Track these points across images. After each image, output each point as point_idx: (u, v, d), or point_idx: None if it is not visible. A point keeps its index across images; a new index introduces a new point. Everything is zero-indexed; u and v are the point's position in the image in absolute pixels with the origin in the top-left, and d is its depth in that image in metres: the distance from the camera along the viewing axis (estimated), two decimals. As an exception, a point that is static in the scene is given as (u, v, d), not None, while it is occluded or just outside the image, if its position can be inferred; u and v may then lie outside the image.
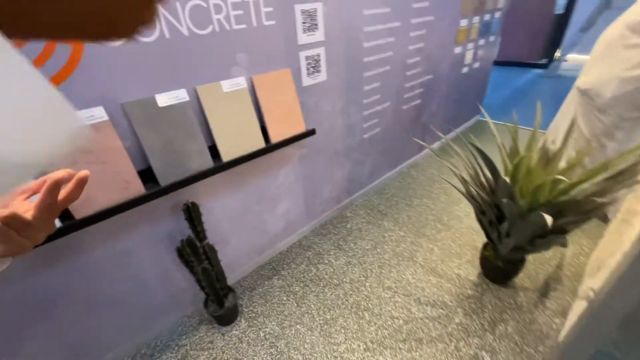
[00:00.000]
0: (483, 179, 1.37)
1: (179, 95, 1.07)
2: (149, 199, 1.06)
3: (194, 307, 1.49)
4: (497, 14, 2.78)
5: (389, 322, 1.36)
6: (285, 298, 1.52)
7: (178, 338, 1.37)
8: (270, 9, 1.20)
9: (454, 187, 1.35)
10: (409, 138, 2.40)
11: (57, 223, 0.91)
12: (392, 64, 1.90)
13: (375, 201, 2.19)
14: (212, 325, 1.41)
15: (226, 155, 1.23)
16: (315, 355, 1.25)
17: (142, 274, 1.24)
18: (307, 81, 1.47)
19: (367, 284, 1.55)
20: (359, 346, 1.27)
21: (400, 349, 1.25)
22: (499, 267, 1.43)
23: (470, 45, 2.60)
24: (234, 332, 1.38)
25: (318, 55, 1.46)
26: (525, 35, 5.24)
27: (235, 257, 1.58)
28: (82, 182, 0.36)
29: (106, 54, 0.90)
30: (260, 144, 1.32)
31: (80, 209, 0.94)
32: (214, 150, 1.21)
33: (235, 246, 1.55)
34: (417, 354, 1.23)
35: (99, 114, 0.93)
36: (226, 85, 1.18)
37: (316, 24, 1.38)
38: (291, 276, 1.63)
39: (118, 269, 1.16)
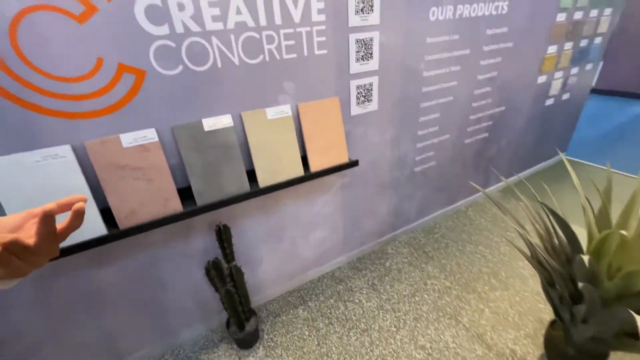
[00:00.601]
0: (556, 242, 1.12)
1: (224, 121, 1.11)
2: (184, 217, 1.10)
3: (218, 322, 1.51)
4: (598, 40, 2.37)
5: (417, 391, 1.18)
6: (307, 333, 1.44)
7: (199, 351, 1.39)
8: (323, 38, 1.19)
9: (517, 248, 1.13)
10: (468, 174, 2.14)
11: (103, 230, 0.99)
12: (456, 95, 1.73)
13: (422, 240, 1.98)
14: (231, 346, 1.40)
15: (263, 182, 1.23)
16: (327, 409, 1.14)
17: (175, 283, 1.30)
18: (356, 110, 1.41)
19: (398, 337, 1.38)
20: (377, 411, 1.13)
21: None
22: (570, 356, 1.14)
23: (558, 74, 2.25)
24: (250, 358, 1.35)
25: (370, 84, 1.39)
26: (636, 62, 4.39)
27: (264, 279, 1.56)
28: (78, 213, 0.38)
29: (162, 83, 0.97)
30: (299, 172, 1.30)
31: (125, 221, 1.02)
32: (252, 174, 1.22)
33: (266, 269, 1.54)
34: None
35: (150, 135, 1.00)
36: (271, 112, 1.19)
37: (371, 53, 1.32)
38: (317, 309, 1.55)
39: (153, 276, 1.23)
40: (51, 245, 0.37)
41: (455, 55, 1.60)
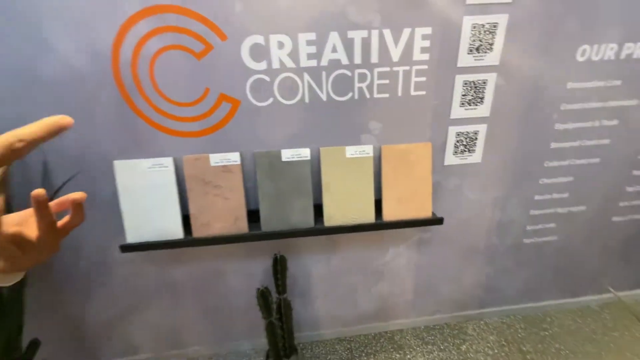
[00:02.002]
0: None
1: (302, 154, 1.11)
2: (248, 239, 1.14)
3: (264, 346, 1.50)
4: None
5: None
6: (345, 396, 1.27)
7: (239, 369, 1.41)
8: (423, 79, 1.06)
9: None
10: (610, 263, 1.55)
11: (181, 234, 1.11)
12: (607, 156, 1.29)
13: (520, 333, 1.52)
14: (268, 376, 1.36)
15: (329, 220, 1.17)
16: None
17: (233, 297, 1.36)
18: (451, 160, 1.21)
19: None
20: None
21: None
22: None
23: None
24: (281, 399, 1.27)
25: (475, 132, 1.17)
26: None
27: (316, 317, 1.48)
28: (77, 205, 0.37)
29: (252, 112, 1.04)
30: (370, 218, 1.18)
31: (199, 230, 1.12)
32: (319, 209, 1.17)
33: (320, 307, 1.46)
34: None
35: (234, 158, 1.08)
36: (351, 150, 1.13)
37: (481, 98, 1.11)
38: (364, 373, 1.36)
39: (216, 285, 1.32)
40: (52, 240, 0.37)
41: (611, 106, 1.20)
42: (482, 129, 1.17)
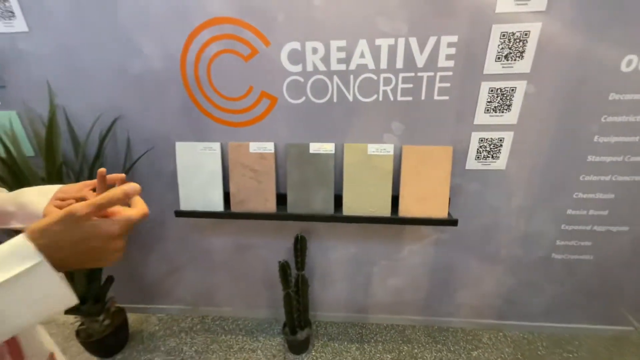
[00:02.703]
0: None
1: (327, 148, 1.24)
2: (275, 218, 1.31)
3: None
4: None
5: None
6: (349, 373, 1.39)
7: (259, 332, 1.61)
8: (447, 84, 1.11)
9: None
10: (663, 295, 1.40)
11: (221, 207, 1.33)
12: (657, 175, 1.18)
13: (542, 351, 1.47)
14: (284, 344, 1.54)
15: (347, 210, 1.28)
16: None
17: (260, 268, 1.55)
18: (473, 164, 1.23)
19: None
20: None
21: None
22: None
23: None
24: (292, 364, 1.44)
25: (500, 140, 1.18)
26: None
27: (332, 299, 1.61)
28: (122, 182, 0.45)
29: (287, 109, 1.20)
30: (386, 212, 1.27)
31: (236, 206, 1.32)
32: (339, 200, 1.29)
33: (336, 291, 1.58)
34: None
35: (269, 147, 1.25)
36: (373, 148, 1.22)
37: (509, 105, 1.12)
38: (370, 356, 1.46)
39: (247, 256, 1.53)
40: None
41: (666, 121, 1.11)
42: (507, 136, 1.17)
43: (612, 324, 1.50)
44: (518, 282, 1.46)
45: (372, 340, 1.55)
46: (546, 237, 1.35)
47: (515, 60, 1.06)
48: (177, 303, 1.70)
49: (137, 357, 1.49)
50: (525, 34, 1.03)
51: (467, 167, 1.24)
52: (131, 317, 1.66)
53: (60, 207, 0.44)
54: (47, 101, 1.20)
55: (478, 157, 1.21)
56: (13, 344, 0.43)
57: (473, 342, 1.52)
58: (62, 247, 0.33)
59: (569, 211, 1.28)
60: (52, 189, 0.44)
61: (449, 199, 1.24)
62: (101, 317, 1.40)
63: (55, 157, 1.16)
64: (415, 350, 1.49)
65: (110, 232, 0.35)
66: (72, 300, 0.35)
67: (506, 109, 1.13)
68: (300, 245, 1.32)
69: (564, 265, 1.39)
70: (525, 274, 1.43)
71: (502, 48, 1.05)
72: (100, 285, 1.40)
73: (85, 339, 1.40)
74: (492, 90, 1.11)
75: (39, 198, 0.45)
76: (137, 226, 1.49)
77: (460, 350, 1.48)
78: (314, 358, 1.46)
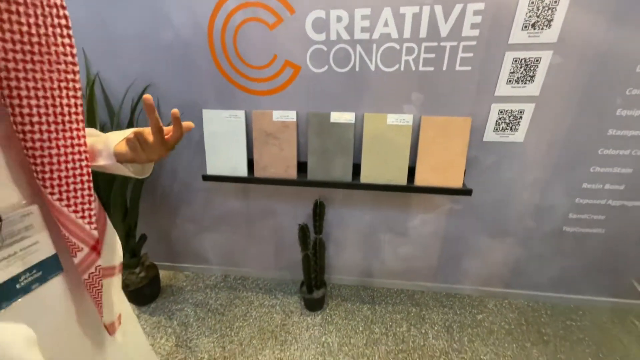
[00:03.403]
0: None
1: (348, 117, 1.28)
2: (296, 184, 1.39)
3: (301, 279, 1.80)
4: None
5: None
6: (361, 329, 1.50)
7: (278, 291, 1.74)
8: (470, 54, 1.12)
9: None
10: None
11: (245, 173, 1.41)
12: (680, 151, 1.18)
13: (544, 318, 1.54)
14: (301, 303, 1.67)
15: (365, 178, 1.34)
16: (344, 398, 1.21)
17: (281, 232, 1.66)
18: (491, 136, 1.25)
19: (447, 393, 1.23)
20: None
21: None
22: None
23: None
24: (308, 319, 1.56)
25: (521, 112, 1.18)
26: None
27: (346, 264, 1.71)
28: (175, 117, 0.51)
29: (310, 78, 1.24)
30: (402, 181, 1.32)
31: (259, 172, 1.40)
32: (357, 168, 1.35)
33: (351, 256, 1.68)
34: None
35: (292, 116, 1.30)
36: (392, 118, 1.26)
37: (532, 76, 1.12)
38: (381, 316, 1.57)
39: (267, 220, 1.63)
40: (160, 145, 0.51)
41: (696, 95, 1.09)
42: (528, 108, 1.18)
43: (617, 297, 1.55)
44: (527, 253, 1.51)
45: (383, 302, 1.66)
46: (559, 211, 1.38)
47: (542, 29, 1.05)
48: (202, 262, 1.85)
49: (168, 307, 1.66)
50: (555, 1, 1.01)
51: (484, 139, 1.26)
52: (160, 274, 1.81)
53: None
54: (83, 70, 1.27)
55: (496, 129, 1.23)
56: (96, 298, 0.54)
57: (479, 307, 1.61)
58: None
59: (585, 185, 1.30)
60: (129, 130, 0.53)
61: (465, 170, 1.28)
62: (137, 270, 1.54)
63: (95, 124, 1.25)
64: (423, 312, 1.59)
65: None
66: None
67: (529, 80, 1.13)
68: (319, 210, 1.40)
69: (574, 239, 1.43)
70: (535, 246, 1.48)
71: (530, 16, 1.04)
72: (136, 241, 1.54)
73: (123, 289, 1.56)
74: (516, 61, 1.10)
75: (118, 137, 0.54)
76: (167, 190, 1.57)
77: (465, 314, 1.57)
78: (328, 315, 1.59)
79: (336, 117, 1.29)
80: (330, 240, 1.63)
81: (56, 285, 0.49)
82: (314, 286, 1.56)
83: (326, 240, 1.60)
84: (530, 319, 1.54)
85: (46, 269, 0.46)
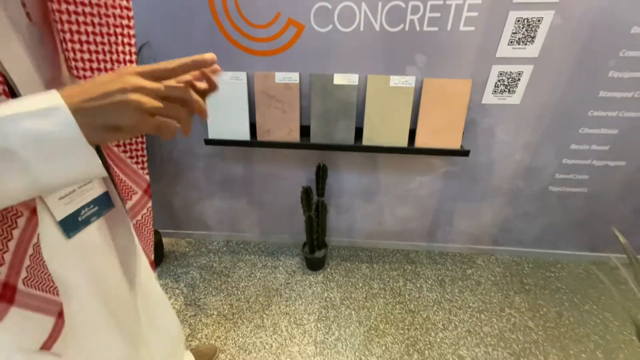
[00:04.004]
0: None
1: (351, 79, 1.28)
2: (299, 147, 1.41)
3: (302, 242, 1.87)
4: None
5: (432, 384, 1.18)
6: (360, 285, 1.61)
7: (280, 253, 1.81)
8: (475, 14, 1.12)
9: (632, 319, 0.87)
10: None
11: (248, 137, 1.41)
12: (662, 112, 1.26)
13: (526, 270, 1.69)
14: (302, 263, 1.74)
15: (367, 140, 1.37)
16: (349, 343, 1.32)
17: (283, 196, 1.69)
18: (489, 99, 1.29)
19: (440, 335, 1.36)
20: (386, 373, 1.22)
21: (422, 413, 1.10)
22: None
23: None
24: (310, 278, 1.65)
25: (519, 73, 1.22)
26: None
27: (346, 227, 1.78)
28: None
29: (313, 37, 1.22)
30: (403, 143, 1.36)
31: (262, 135, 1.41)
32: (359, 132, 1.38)
33: (350, 218, 1.75)
34: None
35: (294, 77, 1.30)
36: (395, 80, 1.27)
37: (532, 37, 1.15)
38: (379, 273, 1.67)
39: (270, 184, 1.66)
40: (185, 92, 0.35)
41: (682, 57, 1.15)
42: (527, 70, 1.21)
43: (594, 251, 1.70)
44: (515, 212, 1.62)
45: (380, 261, 1.76)
46: (547, 171, 1.46)
47: (546, -12, 1.06)
48: (204, 229, 1.88)
49: (174, 271, 1.70)
50: (560, -41, 1.01)
51: (483, 102, 1.30)
52: (163, 241, 1.84)
53: None
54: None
55: (495, 92, 1.27)
56: (148, 238, 0.58)
57: (468, 263, 1.74)
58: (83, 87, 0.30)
59: (573, 146, 1.38)
60: None
61: (463, 132, 1.32)
62: (142, 235, 1.57)
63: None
64: (418, 269, 1.70)
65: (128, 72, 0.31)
66: (96, 165, 0.32)
67: (529, 41, 1.16)
68: (322, 173, 1.44)
69: (558, 198, 1.54)
70: (522, 205, 1.58)
71: (535, -26, 1.04)
72: (138, 207, 1.55)
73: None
74: (518, 21, 1.12)
75: None
76: (167, 156, 1.56)
77: (456, 269, 1.70)
78: (329, 274, 1.68)
79: (339, 78, 1.29)
80: (330, 204, 1.69)
81: (108, 221, 0.53)
82: (315, 246, 1.63)
83: (327, 202, 1.65)
84: (514, 272, 1.68)
85: (101, 205, 0.50)
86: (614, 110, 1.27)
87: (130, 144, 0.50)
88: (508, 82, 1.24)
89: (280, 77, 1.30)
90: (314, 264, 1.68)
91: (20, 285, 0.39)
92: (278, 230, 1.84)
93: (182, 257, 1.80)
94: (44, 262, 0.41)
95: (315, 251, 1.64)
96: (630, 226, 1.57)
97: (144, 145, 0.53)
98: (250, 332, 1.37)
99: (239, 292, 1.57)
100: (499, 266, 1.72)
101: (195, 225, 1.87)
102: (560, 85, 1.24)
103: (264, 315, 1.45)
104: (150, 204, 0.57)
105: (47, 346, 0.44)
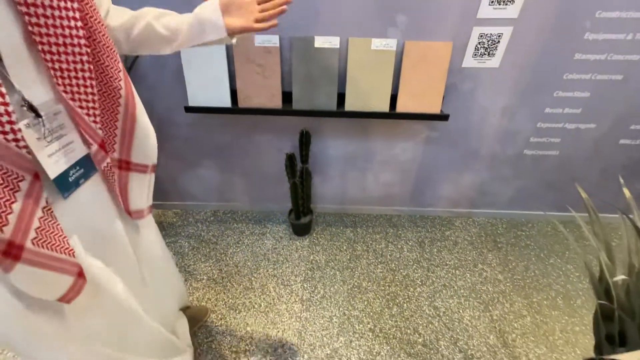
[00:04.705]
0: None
1: (332, 42, 1.26)
2: (281, 113, 1.40)
3: (287, 209, 1.91)
4: None
5: (409, 332, 1.29)
6: (345, 248, 1.68)
7: (266, 221, 1.85)
8: (456, -29, 1.10)
9: (586, 264, 0.95)
10: (607, 185, 1.67)
11: (229, 104, 1.39)
12: (631, 74, 1.30)
13: (500, 230, 1.80)
14: (289, 230, 1.80)
15: (349, 106, 1.37)
16: (334, 300, 1.41)
17: (267, 165, 1.70)
18: (469, 62, 1.30)
19: (418, 290, 1.46)
20: (367, 324, 1.32)
21: (399, 357, 1.21)
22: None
23: None
24: (297, 242, 1.71)
25: (499, 35, 1.23)
26: None
27: (330, 193, 1.83)
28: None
29: (293, -4, 1.17)
30: (384, 108, 1.37)
31: (242, 101, 1.38)
32: (341, 98, 1.37)
33: (334, 185, 1.79)
34: (411, 374, 1.16)
35: (274, 40, 1.26)
36: (376, 43, 1.25)
37: (513, -3, 1.14)
38: (362, 237, 1.75)
39: (253, 153, 1.66)
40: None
41: (654, 19, 1.17)
42: (506, 32, 1.22)
43: (562, 211, 1.81)
44: (491, 176, 1.69)
45: (364, 226, 1.83)
46: (522, 135, 1.52)
47: (527, -57, 1.04)
48: (190, 199, 1.89)
49: (162, 240, 1.73)
50: None
51: (463, 65, 1.31)
52: (150, 211, 1.85)
53: None
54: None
55: (475, 55, 1.28)
56: (116, 189, 0.64)
57: (447, 225, 1.83)
58: None
59: (547, 110, 1.42)
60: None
61: (443, 97, 1.34)
62: (126, 205, 1.56)
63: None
64: (400, 232, 1.79)
65: None
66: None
67: (510, 1, 1.15)
68: (305, 140, 1.44)
69: (532, 160, 1.61)
70: (498, 168, 1.65)
71: None
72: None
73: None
74: (499, -21, 1.11)
75: (205, 11, 0.67)
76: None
77: (436, 231, 1.79)
78: (315, 239, 1.74)
79: (320, 41, 1.26)
80: (314, 171, 1.71)
81: (94, 183, 0.60)
82: (301, 213, 1.68)
83: (311, 170, 1.67)
84: (489, 232, 1.79)
85: (86, 168, 0.55)
86: (587, 73, 1.31)
87: (79, 92, 0.51)
88: (488, 45, 1.25)
89: (259, 40, 1.26)
90: (300, 230, 1.74)
91: (28, 244, 0.42)
92: (265, 198, 1.87)
93: (170, 227, 1.82)
94: (56, 224, 0.46)
95: (301, 217, 1.69)
96: (596, 186, 1.68)
97: (95, 97, 0.54)
98: (240, 294, 1.44)
99: (228, 259, 1.62)
100: (475, 227, 1.82)
101: (182, 196, 1.88)
102: (537, 48, 1.26)
103: (252, 278, 1.51)
104: (108, 160, 0.61)
105: (66, 299, 0.49)
